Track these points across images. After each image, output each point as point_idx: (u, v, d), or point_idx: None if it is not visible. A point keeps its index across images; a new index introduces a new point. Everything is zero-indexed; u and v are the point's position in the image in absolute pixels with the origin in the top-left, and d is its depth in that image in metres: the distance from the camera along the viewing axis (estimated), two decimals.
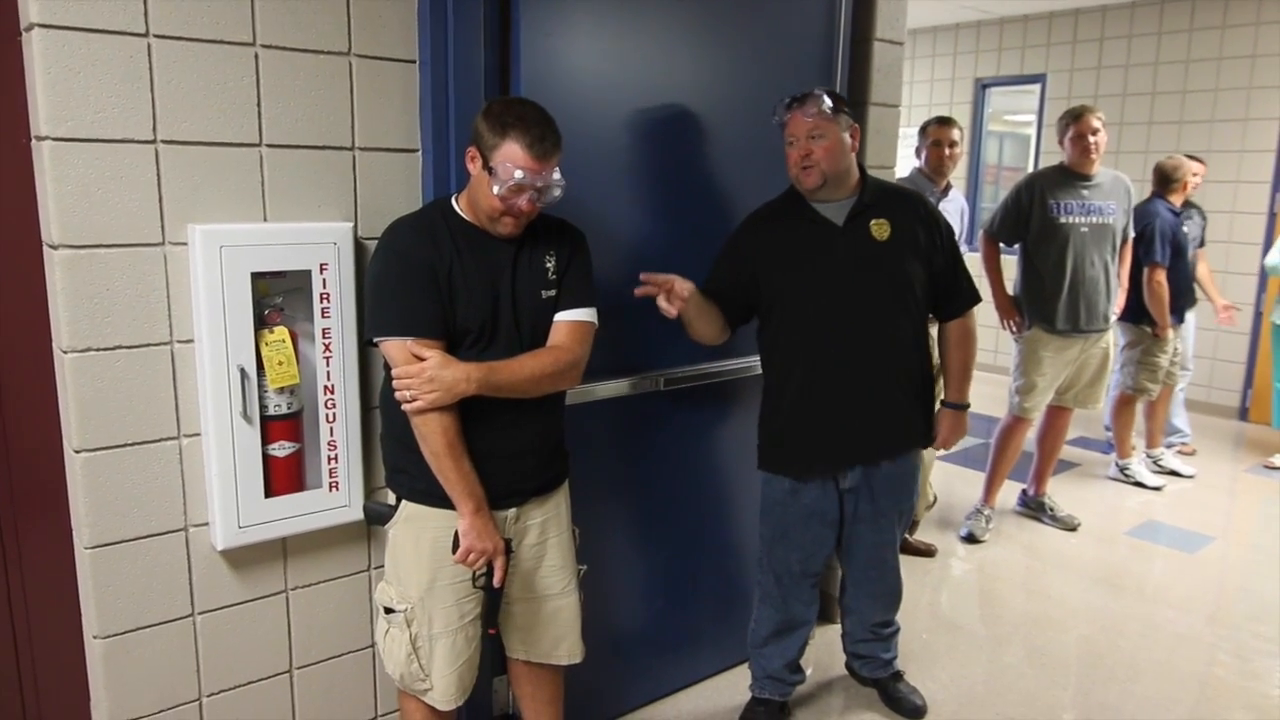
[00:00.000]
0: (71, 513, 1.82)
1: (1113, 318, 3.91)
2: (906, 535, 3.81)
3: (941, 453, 2.48)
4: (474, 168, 1.75)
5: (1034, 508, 4.26)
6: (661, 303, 2.13)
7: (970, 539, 4.00)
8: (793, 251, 2.28)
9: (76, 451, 1.74)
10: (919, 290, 2.30)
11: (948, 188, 3.63)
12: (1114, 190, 3.81)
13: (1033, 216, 3.75)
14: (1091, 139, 3.69)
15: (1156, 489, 4.69)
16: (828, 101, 2.20)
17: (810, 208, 2.28)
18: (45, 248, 1.72)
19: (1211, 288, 4.99)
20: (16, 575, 1.89)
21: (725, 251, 2.37)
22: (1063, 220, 3.72)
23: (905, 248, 2.27)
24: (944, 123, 3.60)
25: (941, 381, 2.62)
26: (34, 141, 1.67)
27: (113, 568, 1.80)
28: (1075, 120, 3.73)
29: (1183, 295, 4.53)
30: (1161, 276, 4.33)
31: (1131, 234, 4.02)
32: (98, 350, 1.72)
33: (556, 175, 1.74)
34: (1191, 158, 4.87)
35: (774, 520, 2.43)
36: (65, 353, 1.70)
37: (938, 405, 2.54)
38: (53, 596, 1.90)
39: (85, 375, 1.72)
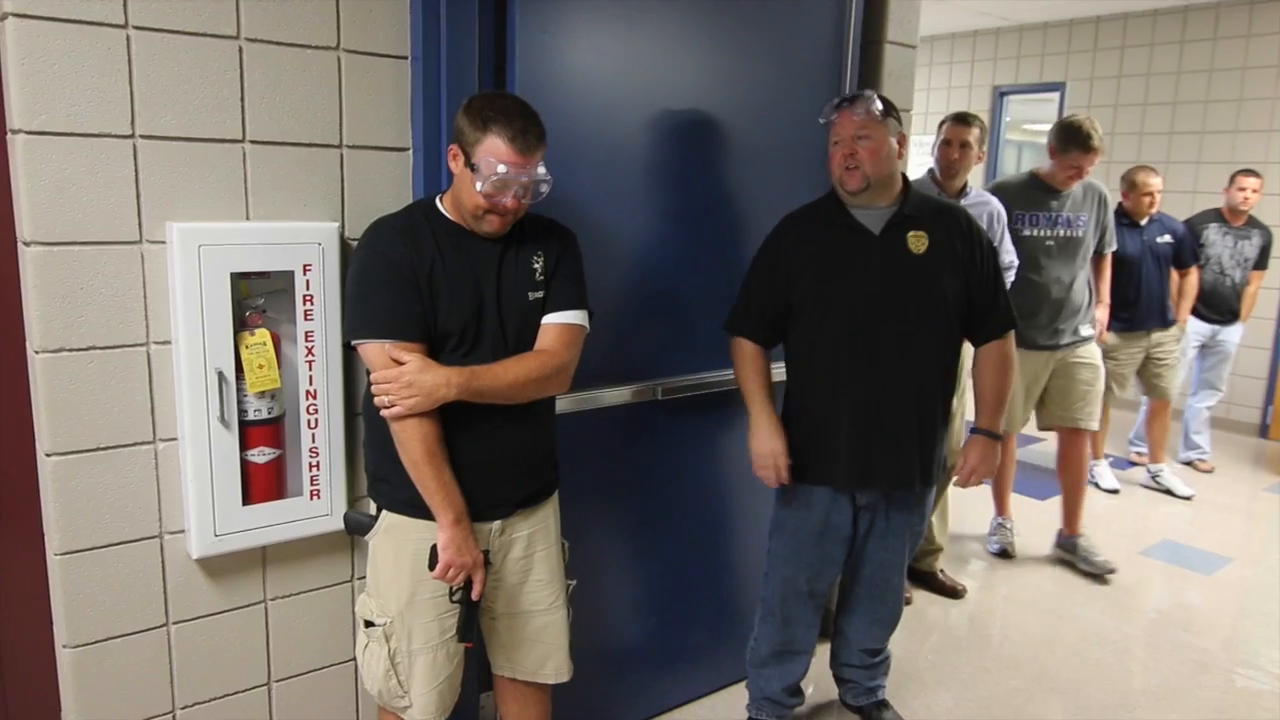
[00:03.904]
0: (43, 518, 1.77)
1: (1088, 332, 3.73)
2: (940, 571, 3.61)
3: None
4: (456, 166, 1.69)
5: (1066, 550, 3.92)
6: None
7: (1004, 554, 3.91)
8: (825, 257, 2.21)
9: (47, 455, 1.69)
10: (952, 307, 2.20)
11: (964, 189, 3.34)
12: (1085, 200, 3.64)
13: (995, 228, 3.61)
14: (1086, 170, 3.52)
15: (1112, 491, 4.70)
16: (878, 104, 2.13)
17: (848, 213, 2.20)
18: (19, 244, 1.67)
19: (1247, 305, 4.96)
20: None
21: (760, 258, 2.29)
22: (1026, 233, 3.56)
23: (942, 262, 2.18)
24: (959, 121, 3.29)
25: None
26: (9, 135, 1.62)
27: (84, 575, 1.75)
28: (1085, 151, 3.46)
29: (1134, 308, 4.39)
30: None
31: (1112, 247, 3.87)
32: (71, 351, 1.67)
33: (541, 170, 1.68)
34: (1248, 172, 4.80)
35: (786, 535, 2.35)
36: (37, 353, 1.65)
37: (965, 433, 2.42)
38: (23, 604, 1.85)
39: (57, 376, 1.66)
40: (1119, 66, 6.50)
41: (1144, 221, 4.41)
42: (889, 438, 2.21)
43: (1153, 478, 4.83)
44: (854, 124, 2.13)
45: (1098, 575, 3.75)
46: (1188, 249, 4.59)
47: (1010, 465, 4.02)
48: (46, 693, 1.84)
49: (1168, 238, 4.48)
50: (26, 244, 1.62)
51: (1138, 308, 4.39)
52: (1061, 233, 3.60)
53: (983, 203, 3.34)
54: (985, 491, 4.49)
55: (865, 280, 2.18)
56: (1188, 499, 4.70)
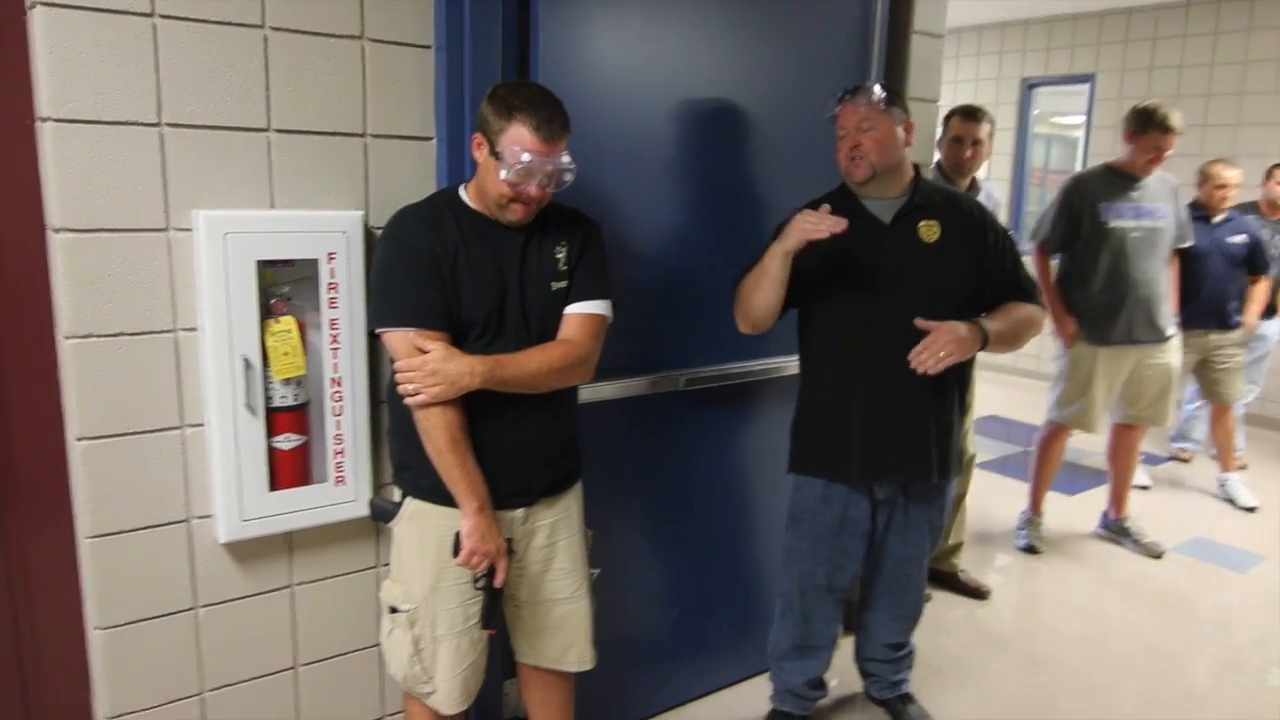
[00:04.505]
0: (73, 502, 1.79)
1: (1171, 331, 3.66)
2: (962, 571, 3.53)
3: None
4: (480, 154, 1.69)
5: (1116, 531, 4.01)
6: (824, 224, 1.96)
7: (1030, 550, 3.86)
8: (835, 248, 2.16)
9: (77, 439, 1.71)
10: (965, 297, 2.18)
11: (973, 186, 3.28)
12: (1161, 191, 3.60)
13: (1083, 222, 3.54)
14: (1165, 152, 3.47)
15: (1143, 488, 4.59)
16: (879, 92, 2.12)
17: (859, 204, 2.19)
18: (49, 231, 1.69)
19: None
20: (19, 563, 1.86)
21: (771, 240, 2.28)
22: (1113, 225, 3.50)
23: (954, 252, 2.17)
24: (969, 116, 3.20)
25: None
26: (37, 123, 1.64)
27: (113, 558, 1.77)
28: (1164, 132, 3.42)
29: (1193, 305, 4.18)
30: None
31: (1188, 241, 3.76)
32: (99, 337, 1.69)
33: (566, 158, 1.68)
34: None
35: (803, 529, 2.34)
36: (66, 339, 1.67)
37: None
38: (55, 586, 1.87)
39: (86, 362, 1.69)
40: (1150, 58, 6.40)
41: (1218, 218, 4.21)
42: (904, 429, 2.19)
43: (1221, 486, 4.65)
44: (857, 115, 2.12)
45: (1153, 555, 3.83)
46: (1261, 253, 4.29)
47: (1058, 463, 3.93)
48: (78, 673, 1.87)
49: (1241, 238, 4.22)
50: (56, 231, 1.64)
51: (1196, 305, 4.18)
52: (1146, 223, 3.53)
53: (986, 195, 3.34)
54: (1012, 485, 4.45)
55: (876, 270, 2.16)
56: (1251, 510, 4.49)
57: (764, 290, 2.10)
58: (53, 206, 1.63)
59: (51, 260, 1.68)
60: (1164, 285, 3.61)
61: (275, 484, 1.88)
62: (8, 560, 1.85)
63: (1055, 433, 3.84)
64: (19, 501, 1.84)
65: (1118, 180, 3.56)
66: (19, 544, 1.86)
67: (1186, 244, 3.77)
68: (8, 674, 1.89)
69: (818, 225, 1.97)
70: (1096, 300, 3.57)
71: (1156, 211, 3.56)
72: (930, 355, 2.03)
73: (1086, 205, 3.54)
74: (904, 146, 2.17)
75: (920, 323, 2.07)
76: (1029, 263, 3.60)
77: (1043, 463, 3.90)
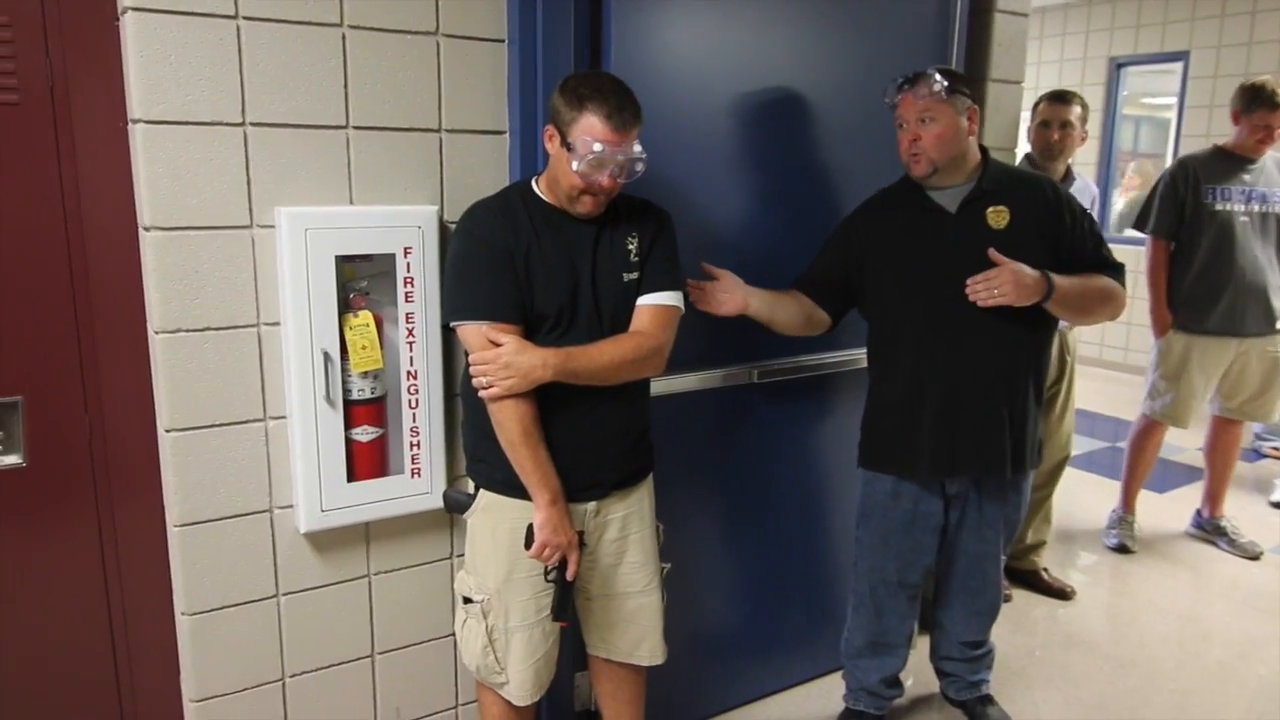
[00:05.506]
0: (163, 491, 1.85)
1: None
2: (1044, 570, 3.40)
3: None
4: (552, 146, 1.69)
5: (1210, 531, 3.83)
6: (698, 304, 2.09)
7: (1122, 549, 3.71)
8: (902, 240, 2.15)
9: (166, 431, 1.77)
10: None
11: (1068, 174, 3.16)
12: (1276, 174, 3.41)
13: (1187, 204, 3.38)
14: (1276, 130, 3.29)
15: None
16: (941, 81, 2.04)
17: (924, 194, 2.14)
18: (140, 229, 1.75)
19: None
20: (112, 550, 1.94)
21: (833, 237, 2.26)
22: (1219, 208, 3.34)
23: (1026, 237, 2.09)
24: (1057, 99, 3.10)
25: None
26: (130, 125, 1.70)
27: (200, 546, 1.83)
28: (1272, 109, 3.26)
29: None
30: None
31: None
32: (187, 331, 1.74)
33: (637, 148, 1.66)
34: None
35: (874, 525, 2.29)
36: (156, 333, 1.73)
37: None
38: (147, 572, 1.95)
39: (175, 356, 1.74)
40: (1250, 33, 6.07)
41: None
42: (976, 422, 2.13)
43: None
44: (917, 107, 2.05)
45: (1250, 556, 3.66)
46: None
47: (1152, 460, 3.77)
48: (168, 656, 1.94)
49: None
50: (146, 229, 1.69)
51: None
52: (1256, 208, 3.37)
53: (1084, 188, 3.21)
54: (1095, 480, 4.29)
55: (944, 261, 2.10)
56: None
57: (771, 324, 2.18)
58: (143, 205, 1.68)
59: (143, 257, 1.74)
60: (1274, 274, 3.42)
61: (353, 475, 1.92)
62: (104, 547, 1.93)
63: (1148, 428, 3.68)
64: (114, 491, 1.92)
65: (1228, 162, 3.40)
66: (113, 532, 1.94)
67: None
68: (104, 656, 1.97)
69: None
70: (1194, 286, 3.41)
71: (1270, 195, 3.38)
72: (985, 287, 2.01)
73: (1190, 187, 3.38)
74: (968, 136, 2.10)
75: (993, 254, 2.03)
76: (1118, 254, 3.43)
77: (1135, 459, 3.75)
